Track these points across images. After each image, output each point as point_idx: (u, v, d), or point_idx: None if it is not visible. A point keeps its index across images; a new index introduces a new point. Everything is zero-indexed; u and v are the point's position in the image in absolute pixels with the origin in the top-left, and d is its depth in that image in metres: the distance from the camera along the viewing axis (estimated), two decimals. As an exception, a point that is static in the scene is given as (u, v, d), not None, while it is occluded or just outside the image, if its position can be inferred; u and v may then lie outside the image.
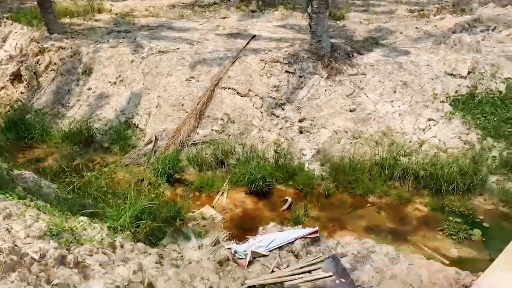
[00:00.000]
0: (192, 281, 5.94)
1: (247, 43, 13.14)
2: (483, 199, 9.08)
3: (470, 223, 8.39)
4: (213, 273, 6.45)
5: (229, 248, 7.07)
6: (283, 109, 11.14)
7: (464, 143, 9.92)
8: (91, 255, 5.50)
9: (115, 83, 12.88)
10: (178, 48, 13.03)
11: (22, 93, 13.88)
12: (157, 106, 11.90)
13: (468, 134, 10.07)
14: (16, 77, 14.18)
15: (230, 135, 10.96)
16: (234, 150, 10.60)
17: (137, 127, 11.84)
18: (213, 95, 11.59)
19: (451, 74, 11.06)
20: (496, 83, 10.78)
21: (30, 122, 12.35)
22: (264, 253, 6.98)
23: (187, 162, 10.54)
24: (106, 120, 12.09)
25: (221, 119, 11.25)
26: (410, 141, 10.13)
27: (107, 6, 17.45)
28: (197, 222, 8.58)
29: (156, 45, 13.27)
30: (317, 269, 6.67)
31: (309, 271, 6.65)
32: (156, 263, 6.15)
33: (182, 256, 6.99)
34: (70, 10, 16.73)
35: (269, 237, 7.27)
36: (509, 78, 10.79)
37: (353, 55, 11.96)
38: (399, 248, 7.46)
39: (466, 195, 9.02)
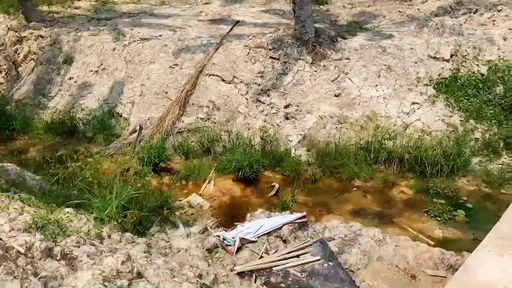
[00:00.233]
0: (181, 269, 5.93)
1: (231, 29, 13.02)
2: (466, 181, 9.25)
3: (454, 204, 8.55)
4: (202, 261, 6.45)
5: (218, 236, 7.08)
6: (268, 96, 11.11)
7: (447, 126, 10.05)
8: (78, 247, 5.44)
9: (97, 72, 12.66)
10: (160, 35, 12.84)
11: (1, 83, 13.58)
12: (140, 95, 11.75)
13: (451, 116, 10.21)
14: (-6, 68, 13.87)
15: (215, 123, 10.90)
16: (220, 138, 10.56)
17: (121, 116, 11.69)
18: (198, 82, 11.49)
19: (434, 57, 11.14)
20: (478, 66, 10.91)
21: (10, 113, 12.12)
22: (253, 239, 7.01)
23: (173, 151, 10.48)
24: (89, 109, 11.92)
25: (206, 107, 11.18)
26: (394, 125, 10.22)
27: (86, -7, 17.08)
28: (185, 210, 8.57)
29: (138, 32, 13.06)
30: (305, 253, 6.74)
31: (298, 256, 6.71)
32: (144, 253, 6.12)
33: (170, 244, 6.98)
34: (48, -3, 16.35)
35: (257, 223, 7.28)
36: (490, 60, 10.93)
37: (337, 40, 11.94)
38: (386, 231, 7.56)
39: (450, 177, 9.19)
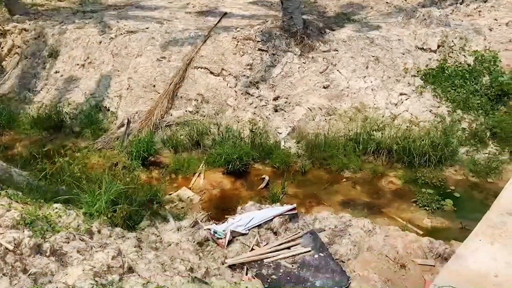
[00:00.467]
0: (172, 263, 5.92)
1: (218, 21, 12.92)
2: (454, 170, 9.36)
3: (442, 194, 8.66)
4: (193, 254, 6.46)
5: (208, 229, 7.09)
6: (257, 88, 11.08)
7: (435, 116, 10.14)
8: (68, 242, 5.40)
9: (83, 65, 12.49)
10: (147, 28, 12.69)
11: (-15, 78, 13.33)
12: (128, 88, 11.63)
13: (439, 107, 10.29)
14: (-23, 62, 13.60)
15: (204, 116, 10.85)
16: (210, 131, 10.52)
17: (108, 110, 11.56)
18: (186, 75, 11.40)
19: (422, 48, 11.20)
20: (465, 56, 10.99)
21: (-5, 108, 11.91)
22: (243, 231, 7.03)
23: (161, 145, 10.42)
24: (76, 104, 11.77)
25: (194, 100, 11.11)
26: (383, 116, 10.28)
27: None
28: (175, 204, 8.55)
29: (125, 25, 12.89)
30: (296, 245, 6.79)
31: (288, 247, 6.76)
32: (135, 247, 6.10)
33: (161, 239, 6.97)
34: (31, -10, 16.02)
35: (248, 215, 7.31)
36: (477, 51, 11.01)
37: (325, 31, 11.93)
38: (375, 221, 7.64)
39: (437, 167, 9.29)
